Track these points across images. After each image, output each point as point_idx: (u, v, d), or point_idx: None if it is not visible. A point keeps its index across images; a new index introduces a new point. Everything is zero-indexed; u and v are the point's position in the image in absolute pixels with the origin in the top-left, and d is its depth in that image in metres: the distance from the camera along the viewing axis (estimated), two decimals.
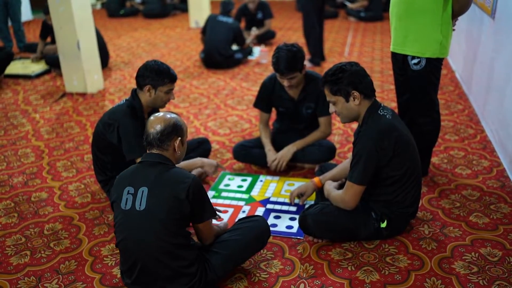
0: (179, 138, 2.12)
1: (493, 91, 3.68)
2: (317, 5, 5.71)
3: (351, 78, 2.35)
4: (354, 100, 2.37)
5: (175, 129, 2.10)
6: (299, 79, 3.14)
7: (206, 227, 2.18)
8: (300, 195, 2.84)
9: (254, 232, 2.30)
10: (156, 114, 2.15)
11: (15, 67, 6.17)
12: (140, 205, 2.01)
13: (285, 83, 3.12)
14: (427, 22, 2.79)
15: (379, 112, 2.39)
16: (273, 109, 3.47)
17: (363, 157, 2.34)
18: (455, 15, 2.82)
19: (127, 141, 2.71)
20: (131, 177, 2.09)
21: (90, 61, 5.11)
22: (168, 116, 2.12)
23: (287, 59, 3.03)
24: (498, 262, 2.34)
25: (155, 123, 2.09)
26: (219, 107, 4.64)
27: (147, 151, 2.13)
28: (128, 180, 2.08)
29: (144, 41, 7.67)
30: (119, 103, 2.85)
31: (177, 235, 2.04)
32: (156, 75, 2.70)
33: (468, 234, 2.56)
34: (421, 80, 2.90)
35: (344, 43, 7.05)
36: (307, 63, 5.76)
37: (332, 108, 2.48)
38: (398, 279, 2.26)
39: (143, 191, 2.02)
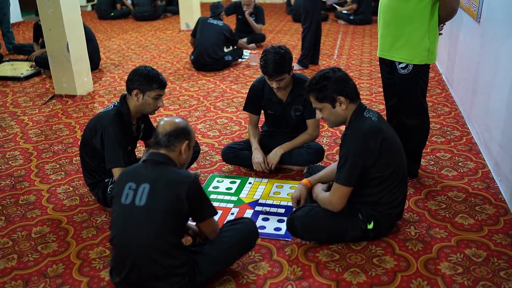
0: (187, 141, 2.18)
1: (479, 94, 3.72)
2: (320, 7, 5.75)
3: (336, 84, 2.38)
4: (340, 105, 2.40)
5: (183, 132, 2.17)
6: (287, 80, 3.16)
7: (209, 225, 2.22)
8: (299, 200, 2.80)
9: (242, 234, 2.32)
10: (167, 117, 2.22)
11: (4, 69, 6.15)
12: (140, 201, 2.04)
13: (274, 85, 3.14)
14: (414, 29, 2.81)
15: (365, 114, 2.42)
16: (262, 112, 3.49)
17: (349, 159, 2.37)
18: (441, 21, 2.85)
19: (109, 150, 2.73)
20: (134, 173, 2.14)
21: (80, 63, 5.09)
22: (178, 120, 2.21)
23: (275, 61, 3.05)
24: (483, 262, 2.38)
25: (166, 124, 2.17)
26: (208, 110, 4.65)
27: (154, 151, 2.15)
28: (131, 176, 2.13)
29: (134, 44, 7.66)
30: (107, 108, 2.86)
31: (173, 234, 2.08)
32: (145, 80, 2.73)
33: (453, 235, 2.59)
34: (408, 84, 2.93)
35: (333, 45, 7.09)
36: (295, 65, 5.79)
37: (318, 115, 2.50)
38: (384, 280, 2.28)
39: (144, 187, 2.06)
